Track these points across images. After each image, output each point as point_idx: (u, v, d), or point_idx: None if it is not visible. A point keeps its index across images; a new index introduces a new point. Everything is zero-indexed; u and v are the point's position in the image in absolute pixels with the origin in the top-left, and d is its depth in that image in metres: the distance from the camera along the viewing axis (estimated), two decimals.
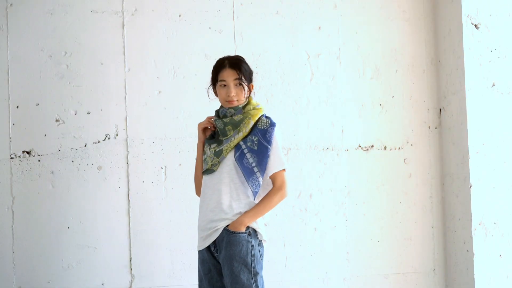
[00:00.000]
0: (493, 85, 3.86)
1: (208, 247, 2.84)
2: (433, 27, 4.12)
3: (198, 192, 3.02)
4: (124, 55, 3.80)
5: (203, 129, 2.97)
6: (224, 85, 2.87)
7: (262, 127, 2.87)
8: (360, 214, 4.00)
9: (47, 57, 3.74)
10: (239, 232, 2.77)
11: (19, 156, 3.70)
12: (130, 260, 3.76)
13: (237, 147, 2.84)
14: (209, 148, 2.88)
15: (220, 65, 2.88)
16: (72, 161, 3.73)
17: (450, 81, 3.98)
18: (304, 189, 3.93)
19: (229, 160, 2.84)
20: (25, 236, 3.68)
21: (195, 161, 3.06)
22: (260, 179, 2.81)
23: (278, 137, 2.88)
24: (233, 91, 2.85)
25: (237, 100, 2.86)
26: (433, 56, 4.12)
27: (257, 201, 2.85)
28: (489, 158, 3.82)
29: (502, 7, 3.88)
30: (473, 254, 3.79)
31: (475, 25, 3.85)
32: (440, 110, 4.10)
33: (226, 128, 2.86)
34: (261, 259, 2.83)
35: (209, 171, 2.86)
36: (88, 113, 3.76)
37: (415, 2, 4.11)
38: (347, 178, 4.00)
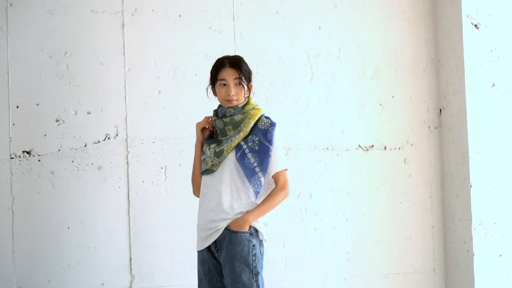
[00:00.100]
0: (493, 85, 3.86)
1: (209, 247, 2.84)
2: (433, 27, 4.12)
3: (196, 192, 3.01)
4: (124, 55, 3.80)
5: (202, 129, 2.97)
6: (224, 84, 2.87)
7: (263, 127, 2.87)
8: (360, 214, 4.00)
9: (47, 57, 3.74)
10: (240, 232, 2.77)
11: (19, 156, 3.70)
12: (130, 260, 3.76)
13: (238, 147, 2.84)
14: (209, 149, 2.87)
15: (220, 64, 2.88)
16: (72, 161, 3.73)
17: (450, 81, 3.98)
18: (304, 189, 3.93)
19: (230, 160, 2.84)
20: (25, 236, 3.68)
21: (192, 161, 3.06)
22: (262, 179, 2.82)
23: (279, 137, 2.89)
24: (233, 90, 2.85)
25: (236, 100, 2.87)
26: (433, 56, 4.12)
27: (258, 201, 2.85)
28: (489, 158, 3.82)
29: (502, 7, 3.88)
30: (473, 254, 3.79)
31: (475, 25, 3.85)
32: (440, 110, 4.10)
33: (226, 128, 2.85)
34: (262, 258, 2.83)
35: (208, 171, 2.86)
36: (88, 113, 3.76)
37: (415, 2, 4.11)
38: (347, 178, 4.00)
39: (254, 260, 2.78)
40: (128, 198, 3.77)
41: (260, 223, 2.83)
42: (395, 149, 4.06)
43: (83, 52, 3.76)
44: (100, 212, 3.74)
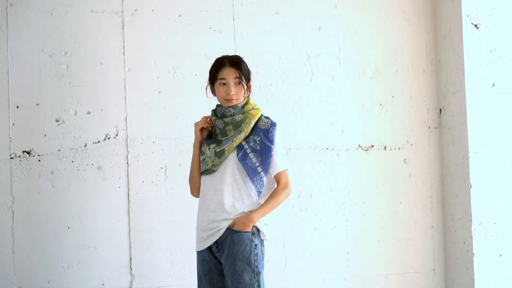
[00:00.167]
0: (493, 85, 3.86)
1: (209, 247, 2.84)
2: (433, 27, 4.12)
3: (194, 192, 3.00)
4: (124, 55, 3.80)
5: (200, 129, 2.96)
6: (224, 84, 2.86)
7: (264, 127, 2.87)
8: (360, 214, 4.00)
9: (47, 57, 3.74)
10: (243, 231, 2.77)
11: (19, 156, 3.70)
12: (130, 260, 3.76)
13: (239, 147, 2.84)
14: (208, 149, 2.87)
15: (220, 64, 2.88)
16: (72, 161, 3.73)
17: (450, 81, 3.98)
18: (304, 189, 3.93)
19: (231, 160, 2.84)
20: (25, 236, 3.68)
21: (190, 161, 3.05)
22: (264, 178, 2.82)
23: (279, 137, 2.89)
24: (233, 90, 2.85)
25: (236, 99, 2.87)
26: (433, 56, 4.12)
27: (261, 200, 2.86)
28: (489, 158, 3.82)
29: (502, 7, 3.88)
30: (473, 254, 3.79)
31: (475, 25, 3.85)
32: (440, 110, 4.10)
33: (227, 128, 2.85)
34: (263, 258, 2.84)
35: (209, 171, 2.85)
36: (88, 113, 3.76)
37: (415, 2, 4.11)
38: (347, 178, 4.00)
39: (256, 260, 2.78)
40: (128, 198, 3.77)
41: (261, 222, 2.84)
42: (395, 149, 4.06)
43: (83, 52, 3.76)
44: (100, 212, 3.74)
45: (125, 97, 3.80)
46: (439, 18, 4.08)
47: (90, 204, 3.73)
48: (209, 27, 3.89)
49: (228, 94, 2.85)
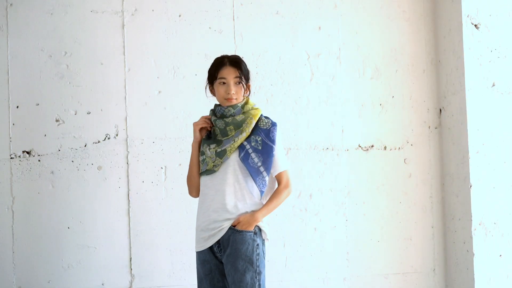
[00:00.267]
0: (493, 85, 3.86)
1: (211, 247, 2.84)
2: (433, 27, 4.12)
3: (192, 192, 2.99)
4: (124, 55, 3.80)
5: (200, 129, 2.95)
6: (224, 83, 2.86)
7: (265, 127, 2.87)
8: (360, 214, 4.00)
9: (47, 57, 3.74)
10: (245, 231, 2.77)
11: (19, 156, 3.70)
12: (130, 260, 3.76)
13: (241, 147, 2.84)
14: (209, 149, 2.86)
15: (220, 63, 2.88)
16: (72, 161, 3.73)
17: (450, 81, 3.98)
18: (304, 189, 3.93)
19: (233, 160, 2.84)
20: (25, 236, 3.68)
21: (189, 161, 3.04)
22: (267, 178, 2.83)
23: (279, 137, 2.90)
24: (233, 89, 2.85)
25: (236, 99, 2.86)
26: (433, 56, 4.12)
27: (263, 200, 2.87)
28: (489, 158, 3.82)
29: (502, 7, 3.88)
30: (473, 254, 3.79)
31: (475, 25, 3.85)
32: (440, 110, 4.10)
33: (228, 128, 2.85)
34: (264, 258, 2.84)
35: (209, 171, 2.85)
36: (88, 113, 3.76)
37: (415, 2, 4.11)
38: (347, 178, 4.00)
39: (258, 259, 2.79)
40: (128, 198, 3.77)
41: (264, 222, 2.85)
42: (395, 149, 4.06)
43: (83, 52, 3.76)
44: (100, 212, 3.74)
45: (125, 97, 3.80)
46: (439, 18, 4.08)
47: (90, 204, 3.73)
48: (209, 27, 3.89)
49: (228, 94, 2.85)
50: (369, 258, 4.00)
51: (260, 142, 2.84)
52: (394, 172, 4.05)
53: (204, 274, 2.86)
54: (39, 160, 3.71)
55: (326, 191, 3.96)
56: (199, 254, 2.88)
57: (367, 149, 4.03)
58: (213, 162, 2.83)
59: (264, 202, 2.86)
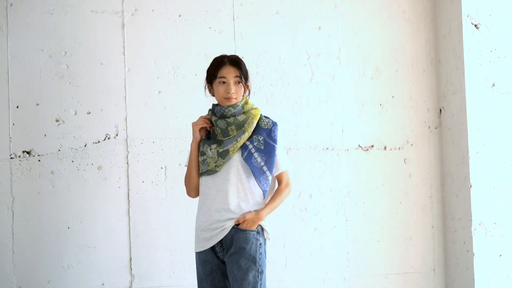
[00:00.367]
0: (493, 85, 3.86)
1: (212, 247, 2.83)
2: (433, 27, 4.12)
3: (191, 193, 2.97)
4: (124, 55, 3.80)
5: (199, 129, 2.94)
6: (224, 82, 2.86)
7: (266, 126, 2.88)
8: (360, 214, 4.00)
9: (47, 57, 3.74)
10: (249, 230, 2.78)
11: (19, 156, 3.70)
12: (130, 260, 3.76)
13: (244, 147, 2.84)
14: (210, 149, 2.85)
15: (220, 62, 2.88)
16: (72, 161, 3.73)
17: (450, 81, 3.98)
18: (304, 189, 3.93)
19: (235, 160, 2.83)
20: (25, 236, 3.68)
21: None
22: (270, 177, 2.84)
23: (280, 137, 2.90)
24: (233, 88, 2.85)
25: (235, 98, 2.86)
26: (433, 56, 4.12)
27: (266, 200, 2.87)
28: (489, 158, 3.82)
29: (502, 7, 3.88)
30: (473, 254, 3.79)
31: (475, 25, 3.85)
32: (440, 110, 4.10)
33: (229, 128, 2.84)
34: (265, 257, 2.84)
35: (210, 172, 2.84)
36: (88, 113, 3.76)
37: (415, 2, 4.11)
38: (347, 178, 4.00)
39: (260, 259, 2.80)
40: (128, 198, 3.77)
41: (266, 221, 2.85)
42: (395, 149, 4.06)
43: (83, 52, 3.77)
44: (100, 212, 3.74)
45: (125, 97, 3.80)
46: (439, 18, 4.08)
47: (90, 204, 3.73)
48: (209, 27, 3.89)
49: (228, 93, 2.84)
50: (369, 258, 4.00)
51: (262, 142, 2.85)
52: (394, 172, 4.05)
53: (205, 275, 2.86)
54: (39, 160, 3.71)
55: (326, 191, 3.96)
56: (200, 254, 2.87)
57: (367, 149, 4.03)
58: (215, 163, 2.83)
59: (266, 202, 2.87)
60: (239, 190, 2.83)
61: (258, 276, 2.77)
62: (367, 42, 4.05)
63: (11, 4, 3.73)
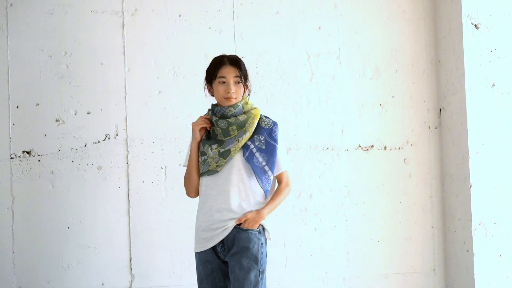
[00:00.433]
0: (493, 85, 3.86)
1: (213, 247, 2.83)
2: (433, 27, 4.12)
3: (192, 193, 2.96)
4: (124, 55, 3.80)
5: (200, 129, 2.93)
6: (223, 82, 2.86)
7: (267, 126, 2.88)
8: (360, 214, 4.00)
9: (47, 57, 3.74)
10: (250, 229, 2.78)
11: (19, 156, 3.70)
12: (130, 260, 3.76)
13: (245, 147, 2.84)
14: (211, 149, 2.85)
15: (220, 62, 2.87)
16: (72, 161, 3.73)
17: (450, 81, 3.98)
18: (304, 189, 3.93)
19: (237, 160, 2.83)
20: (25, 236, 3.68)
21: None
22: (271, 177, 2.85)
23: (280, 137, 2.91)
24: (233, 88, 2.85)
25: (235, 98, 2.86)
26: (433, 56, 4.12)
27: (267, 199, 2.88)
28: (489, 158, 3.82)
29: (502, 7, 3.88)
30: (473, 254, 3.79)
31: (475, 25, 3.85)
32: (440, 110, 4.10)
33: (230, 128, 2.84)
34: (266, 256, 2.85)
35: (211, 172, 2.84)
36: (88, 113, 3.76)
37: (415, 2, 4.11)
38: (347, 178, 4.00)
39: (262, 258, 2.81)
40: (128, 198, 3.77)
41: (267, 221, 2.86)
42: (395, 149, 4.06)
43: (83, 52, 3.77)
44: (100, 212, 3.74)
45: (125, 97, 3.80)
46: (439, 18, 4.08)
47: (90, 204, 3.73)
48: (209, 27, 3.89)
49: (228, 93, 2.84)
50: (369, 258, 4.00)
51: (264, 142, 2.85)
52: (394, 172, 4.05)
53: (206, 275, 2.86)
54: (39, 160, 3.71)
55: (326, 191, 3.96)
56: (200, 254, 2.87)
57: (367, 149, 4.03)
58: (216, 163, 2.83)
59: (267, 201, 2.88)
60: (240, 190, 2.83)
61: (259, 276, 2.78)
62: (367, 42, 4.05)
63: (11, 4, 3.73)
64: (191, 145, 2.92)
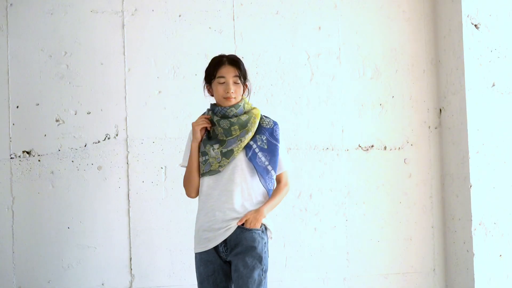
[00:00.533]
0: (493, 85, 3.86)
1: (216, 247, 2.83)
2: (433, 27, 4.12)
3: (192, 193, 2.94)
4: (124, 55, 3.80)
5: (200, 129, 2.93)
6: (223, 82, 2.86)
7: (268, 126, 2.89)
8: (360, 214, 4.00)
9: (47, 57, 3.74)
10: (254, 229, 2.79)
11: (19, 156, 3.70)
12: (130, 260, 3.76)
13: (248, 146, 2.84)
14: (213, 149, 2.85)
15: (219, 62, 2.88)
16: (72, 161, 3.73)
17: (450, 81, 3.98)
18: (304, 189, 3.93)
19: (240, 160, 2.84)
20: (25, 236, 3.68)
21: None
22: (274, 176, 2.86)
23: (281, 136, 2.92)
24: (232, 88, 2.84)
25: (234, 98, 2.86)
26: (433, 56, 4.12)
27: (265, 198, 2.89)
28: (489, 158, 3.82)
29: (502, 7, 3.88)
30: (473, 254, 3.79)
31: (475, 25, 3.85)
32: (440, 110, 4.10)
33: (232, 128, 2.84)
34: (268, 256, 2.85)
35: (213, 172, 2.84)
36: (88, 113, 3.76)
37: (415, 2, 4.11)
38: (347, 178, 4.00)
39: (265, 258, 2.82)
40: (128, 198, 3.77)
41: (269, 220, 2.86)
42: (395, 149, 4.06)
43: (83, 52, 3.76)
44: (100, 212, 3.74)
45: (125, 97, 3.80)
46: (439, 18, 4.08)
47: (90, 204, 3.73)
48: (209, 27, 3.89)
49: (227, 92, 2.84)
50: (369, 258, 4.00)
51: (266, 141, 2.85)
52: (394, 172, 4.05)
53: (207, 275, 2.85)
54: (39, 160, 3.71)
55: (326, 191, 3.96)
56: (201, 254, 2.86)
57: (367, 149, 4.03)
58: (219, 163, 2.82)
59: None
60: (243, 189, 2.83)
61: (262, 275, 2.79)
62: (367, 42, 4.05)
63: (11, 4, 3.73)
64: (191, 145, 2.91)
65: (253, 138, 2.86)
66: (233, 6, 3.92)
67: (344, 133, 4.01)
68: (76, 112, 3.75)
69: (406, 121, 4.08)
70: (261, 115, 2.91)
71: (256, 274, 2.76)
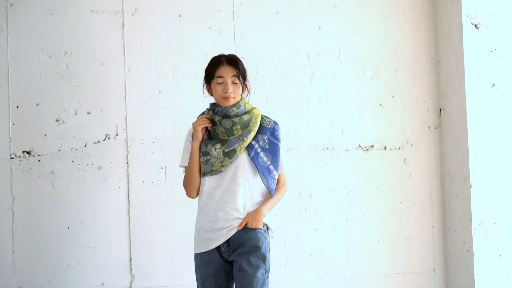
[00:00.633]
0: (493, 85, 3.86)
1: (217, 247, 2.83)
2: (433, 27, 4.12)
3: (193, 193, 2.93)
4: (124, 55, 3.80)
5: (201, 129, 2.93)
6: (221, 82, 2.86)
7: (269, 126, 2.89)
8: (360, 214, 4.00)
9: (47, 57, 3.74)
10: (258, 229, 2.79)
11: (19, 156, 3.70)
12: (130, 260, 3.76)
13: (250, 146, 2.85)
14: (215, 149, 2.84)
15: (218, 62, 2.88)
16: (72, 161, 3.73)
17: (450, 81, 3.98)
18: (304, 189, 3.93)
19: (242, 160, 2.84)
20: (25, 236, 3.68)
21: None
22: (276, 176, 2.87)
23: (281, 136, 2.93)
24: (231, 88, 2.84)
25: (233, 98, 2.86)
26: (433, 56, 4.12)
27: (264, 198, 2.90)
28: (489, 158, 3.82)
29: (502, 7, 3.88)
30: (473, 254, 3.79)
31: (475, 25, 3.85)
32: (440, 110, 4.10)
33: (234, 127, 2.83)
34: (270, 255, 2.86)
35: (215, 172, 2.84)
36: (88, 113, 3.76)
37: (415, 2, 4.11)
38: (347, 178, 3.99)
39: (268, 257, 2.82)
40: (128, 198, 3.77)
41: (269, 219, 2.88)
42: (395, 149, 4.06)
43: (83, 52, 3.76)
44: (100, 212, 3.74)
45: (125, 97, 3.80)
46: (439, 18, 4.08)
47: (90, 204, 3.73)
48: (209, 27, 3.89)
49: (226, 92, 2.84)
50: (369, 258, 4.00)
51: (267, 141, 2.86)
52: (394, 172, 4.05)
53: (208, 275, 2.84)
54: (39, 160, 3.71)
55: (326, 191, 3.96)
56: (203, 255, 2.86)
57: (367, 149, 4.03)
58: (221, 163, 2.82)
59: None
60: (245, 189, 2.83)
61: (265, 274, 2.80)
62: (367, 42, 4.05)
63: (11, 4, 3.73)
64: (192, 145, 2.90)
65: (254, 138, 2.86)
66: (233, 6, 3.92)
67: (344, 133, 4.01)
68: (76, 112, 3.75)
69: (406, 121, 4.08)
70: (261, 115, 2.92)
71: (259, 273, 2.77)
